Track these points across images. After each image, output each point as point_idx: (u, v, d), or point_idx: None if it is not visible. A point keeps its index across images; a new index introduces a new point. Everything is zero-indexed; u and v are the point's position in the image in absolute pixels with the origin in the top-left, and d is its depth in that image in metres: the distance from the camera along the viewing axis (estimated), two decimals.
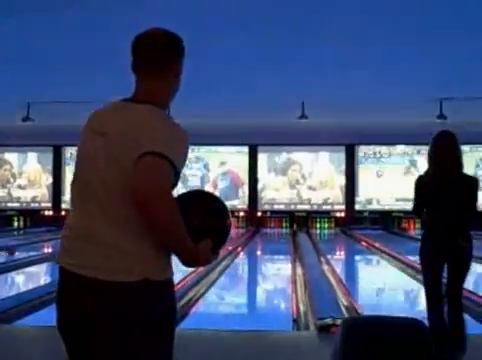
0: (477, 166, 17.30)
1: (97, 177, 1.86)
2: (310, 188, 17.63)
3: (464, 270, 3.98)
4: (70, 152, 18.29)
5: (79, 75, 11.42)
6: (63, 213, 18.08)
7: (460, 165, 3.95)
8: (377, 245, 12.35)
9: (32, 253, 11.39)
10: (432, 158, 3.96)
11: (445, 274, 4.09)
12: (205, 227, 1.90)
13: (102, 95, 12.69)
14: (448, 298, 4.03)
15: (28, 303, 6.28)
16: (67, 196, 18.24)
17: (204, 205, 1.96)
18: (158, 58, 1.99)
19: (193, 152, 17.82)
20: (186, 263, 1.92)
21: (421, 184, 4.02)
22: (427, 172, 4.03)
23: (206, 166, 17.77)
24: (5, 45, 9.56)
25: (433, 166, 3.96)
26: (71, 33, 9.06)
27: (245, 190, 17.67)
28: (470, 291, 6.81)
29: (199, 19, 8.43)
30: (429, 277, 4.03)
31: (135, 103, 1.94)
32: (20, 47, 9.71)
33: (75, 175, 2.00)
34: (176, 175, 1.83)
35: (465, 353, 3.90)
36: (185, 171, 17.19)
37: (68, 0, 7.63)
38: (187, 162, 1.97)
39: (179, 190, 1.94)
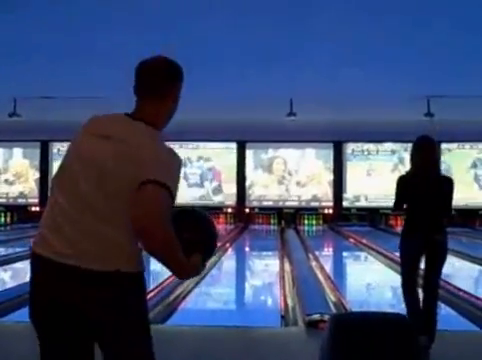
0: (474, 166, 17.36)
1: (100, 176, 1.95)
2: (298, 184, 17.66)
3: (440, 262, 4.30)
4: (58, 148, 18.19)
5: (67, 70, 11.36)
6: None
7: (438, 167, 4.40)
8: (365, 241, 12.41)
9: (18, 249, 11.32)
10: (413, 160, 4.33)
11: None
12: (194, 240, 2.05)
13: (90, 91, 12.75)
14: (424, 288, 4.37)
15: (15, 299, 6.24)
16: None
17: (193, 221, 2.14)
18: (159, 84, 2.13)
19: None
20: (178, 276, 2.10)
21: (402, 183, 4.34)
22: (408, 172, 4.41)
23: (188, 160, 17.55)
24: None
25: (414, 167, 4.33)
26: (58, 28, 9.01)
27: (232, 187, 17.67)
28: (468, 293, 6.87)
29: (188, 13, 8.41)
30: (407, 268, 4.36)
31: (134, 120, 2.07)
32: (7, 41, 9.63)
33: (65, 169, 2.07)
34: (172, 200, 1.94)
35: (434, 341, 4.11)
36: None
37: None
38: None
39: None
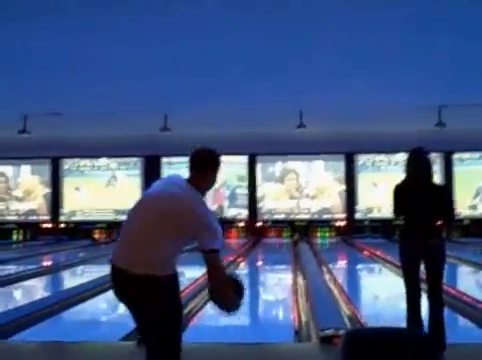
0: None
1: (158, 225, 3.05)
2: (308, 197, 17.58)
3: (439, 267, 4.51)
4: (68, 164, 18.25)
5: (77, 87, 11.40)
6: (62, 225, 18.02)
7: (430, 176, 4.57)
8: (378, 253, 12.27)
9: (30, 266, 11.32)
10: (407, 170, 4.62)
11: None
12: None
13: (98, 107, 12.78)
14: (429, 296, 4.53)
15: (27, 317, 6.20)
16: (66, 208, 18.18)
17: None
18: (204, 168, 3.18)
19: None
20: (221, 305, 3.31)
21: (398, 191, 4.60)
22: (403, 181, 4.64)
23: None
24: (2, 55, 9.54)
25: (407, 176, 4.60)
26: (69, 43, 9.04)
27: (243, 200, 17.61)
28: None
29: (196, 26, 8.40)
30: (408, 276, 4.57)
31: (189, 183, 3.15)
32: (17, 58, 9.68)
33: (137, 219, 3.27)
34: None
35: (445, 351, 4.10)
36: None
37: (68, 7, 7.60)
38: None
39: None
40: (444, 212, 4.57)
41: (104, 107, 12.86)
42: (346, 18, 8.26)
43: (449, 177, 16.81)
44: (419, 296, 4.56)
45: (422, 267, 4.60)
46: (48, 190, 18.26)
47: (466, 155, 17.23)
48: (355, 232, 17.07)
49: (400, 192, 4.59)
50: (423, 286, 4.71)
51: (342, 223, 17.35)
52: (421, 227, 4.48)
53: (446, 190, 4.69)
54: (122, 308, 7.40)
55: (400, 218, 4.62)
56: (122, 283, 3.05)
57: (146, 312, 3.07)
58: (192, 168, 3.18)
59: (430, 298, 4.55)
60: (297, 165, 17.82)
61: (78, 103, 12.54)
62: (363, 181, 17.53)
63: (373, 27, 8.61)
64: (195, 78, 10.92)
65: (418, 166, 4.54)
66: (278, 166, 17.86)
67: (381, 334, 2.68)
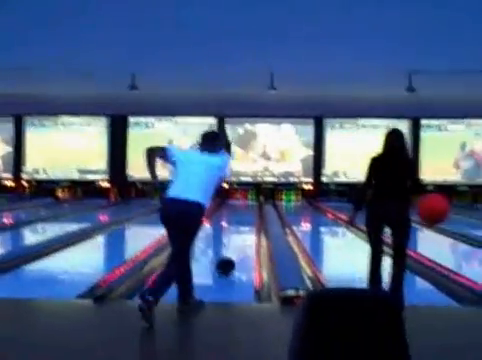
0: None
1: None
2: (274, 160, 17.54)
3: (404, 232, 4.81)
4: (31, 121, 17.76)
5: (46, 42, 10.98)
6: (24, 183, 17.65)
7: (404, 151, 4.96)
8: (343, 217, 12.30)
9: None
10: (385, 144, 4.97)
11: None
12: None
13: (67, 63, 12.34)
14: (394, 259, 4.81)
15: None
16: (28, 166, 17.76)
17: None
18: (211, 142, 4.78)
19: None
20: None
21: (374, 162, 4.95)
22: (379, 154, 4.99)
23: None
24: None
25: (384, 149, 4.96)
26: None
27: None
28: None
29: None
30: (371, 231, 4.89)
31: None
32: None
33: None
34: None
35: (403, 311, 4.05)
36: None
37: None
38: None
39: None
40: (415, 183, 4.91)
41: (73, 64, 12.46)
42: None
43: (416, 142, 16.90)
44: (381, 258, 4.84)
45: (388, 231, 4.87)
46: (9, 148, 17.76)
47: (434, 121, 17.32)
48: (321, 196, 17.12)
49: (376, 163, 4.93)
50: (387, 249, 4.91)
51: (308, 187, 17.38)
52: (390, 194, 4.78)
53: (415, 164, 5.35)
54: (79, 267, 7.32)
55: (369, 187, 4.95)
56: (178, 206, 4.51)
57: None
58: (203, 145, 4.75)
59: (394, 261, 4.81)
60: (265, 128, 17.70)
61: (47, 59, 12.12)
62: (331, 145, 17.51)
63: None
64: (164, 36, 10.62)
65: (393, 143, 4.91)
66: (246, 128, 17.70)
67: (342, 294, 2.60)
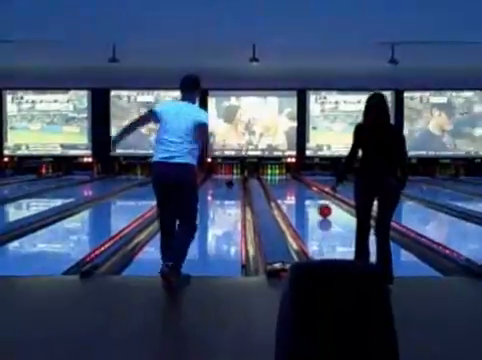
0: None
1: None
2: (258, 134, 17.49)
3: (392, 205, 4.71)
4: (12, 96, 17.49)
5: (25, 11, 10.73)
6: (6, 160, 17.44)
7: (388, 119, 4.77)
8: (327, 190, 12.34)
9: None
10: (368, 112, 4.74)
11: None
12: None
13: (45, 34, 12.12)
14: (376, 230, 4.74)
15: None
16: (10, 142, 17.53)
17: None
18: (190, 87, 4.90)
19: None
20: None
21: (359, 130, 4.78)
22: (363, 122, 4.79)
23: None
24: None
25: (369, 117, 4.73)
26: None
27: None
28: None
29: None
30: (359, 204, 4.78)
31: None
32: None
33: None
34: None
35: (391, 284, 4.27)
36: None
37: None
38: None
39: None
40: (400, 154, 4.74)
41: (51, 34, 12.20)
42: None
43: (399, 115, 16.93)
44: (368, 231, 4.76)
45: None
46: None
47: (417, 94, 17.35)
48: (305, 169, 17.14)
49: (360, 131, 4.77)
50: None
51: (292, 160, 17.39)
52: (378, 165, 4.64)
53: (402, 134, 4.93)
54: (64, 243, 7.28)
55: (356, 157, 4.81)
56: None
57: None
58: (184, 92, 4.86)
59: (378, 233, 4.74)
60: (249, 101, 17.59)
61: (25, 29, 11.86)
62: (314, 118, 17.49)
63: None
64: (144, 6, 10.43)
65: (377, 110, 4.71)
66: (231, 102, 17.59)
67: (329, 266, 2.61)
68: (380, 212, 4.75)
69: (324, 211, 8.75)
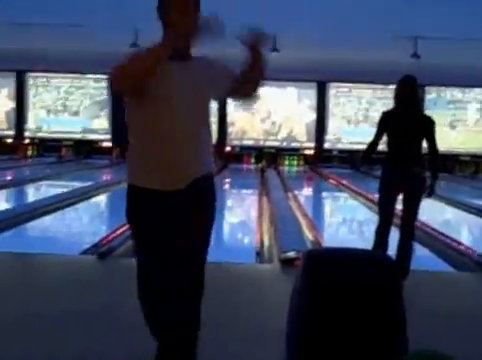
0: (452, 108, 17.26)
1: None
2: (277, 124, 17.47)
3: (418, 196, 4.47)
4: (34, 78, 17.63)
5: None
6: (27, 141, 17.62)
7: (419, 104, 4.65)
8: (345, 183, 12.35)
9: None
10: (397, 97, 4.53)
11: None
12: None
13: (66, 18, 12.20)
14: (401, 226, 4.56)
15: None
16: (30, 124, 17.70)
17: None
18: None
19: None
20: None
21: (386, 117, 4.55)
22: (392, 109, 4.59)
23: None
24: None
25: (398, 104, 4.52)
26: None
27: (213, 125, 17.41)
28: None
29: None
30: (383, 198, 4.54)
31: None
32: None
33: None
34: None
35: (406, 278, 4.21)
36: None
37: None
38: None
39: None
40: (431, 144, 4.50)
41: (71, 18, 12.27)
42: None
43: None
44: (390, 225, 4.54)
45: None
46: (12, 105, 17.67)
47: (438, 89, 17.20)
48: (323, 161, 17.11)
49: (388, 119, 4.55)
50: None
51: (310, 152, 17.36)
52: (406, 154, 4.43)
53: (434, 123, 4.56)
54: (83, 225, 7.39)
55: (374, 148, 4.56)
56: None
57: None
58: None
59: (403, 228, 4.56)
60: (269, 91, 17.55)
61: (47, 13, 11.95)
62: (334, 110, 17.43)
63: None
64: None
65: (408, 93, 4.49)
66: None
67: (342, 253, 2.65)
68: (406, 206, 4.53)
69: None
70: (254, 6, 11.01)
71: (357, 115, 17.34)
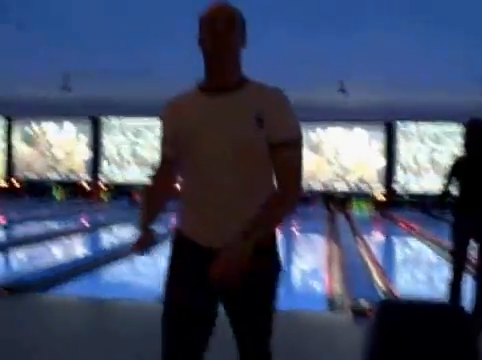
0: None
1: None
2: (346, 169, 17.31)
3: None
4: (110, 123, 18.28)
5: (118, 45, 11.27)
6: (102, 186, 18.19)
7: None
8: (417, 229, 12.09)
9: (70, 225, 11.57)
10: (466, 144, 4.40)
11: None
12: None
13: (142, 66, 12.62)
14: (477, 274, 4.44)
15: (65, 273, 6.37)
16: (105, 167, 18.29)
17: None
18: None
19: None
20: None
21: (457, 165, 4.47)
22: (463, 155, 4.49)
23: None
24: (41, 16, 9.54)
25: (466, 149, 4.41)
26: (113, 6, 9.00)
27: None
28: None
29: None
30: (456, 247, 4.44)
31: None
32: (60, 17, 9.68)
33: None
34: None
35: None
36: None
37: None
38: None
39: None
40: None
41: (138, 64, 12.64)
42: None
43: None
44: (463, 272, 4.45)
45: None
46: (89, 152, 18.39)
47: None
48: (394, 206, 16.77)
49: (459, 166, 4.46)
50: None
51: (380, 196, 17.09)
52: (476, 203, 4.33)
53: None
54: (156, 269, 7.53)
55: (449, 193, 4.50)
56: None
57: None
58: None
59: (478, 279, 4.44)
60: (336, 132, 17.41)
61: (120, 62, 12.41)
62: (404, 153, 17.14)
63: None
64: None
65: (477, 138, 4.34)
66: (317, 133, 17.51)
67: (418, 305, 2.62)
68: (480, 255, 4.41)
69: None
70: (321, 52, 11.17)
71: (424, 161, 16.94)
